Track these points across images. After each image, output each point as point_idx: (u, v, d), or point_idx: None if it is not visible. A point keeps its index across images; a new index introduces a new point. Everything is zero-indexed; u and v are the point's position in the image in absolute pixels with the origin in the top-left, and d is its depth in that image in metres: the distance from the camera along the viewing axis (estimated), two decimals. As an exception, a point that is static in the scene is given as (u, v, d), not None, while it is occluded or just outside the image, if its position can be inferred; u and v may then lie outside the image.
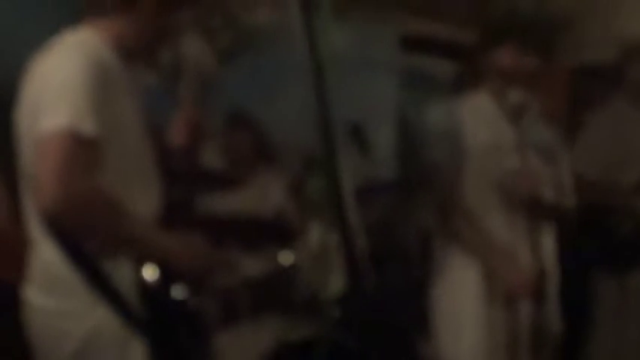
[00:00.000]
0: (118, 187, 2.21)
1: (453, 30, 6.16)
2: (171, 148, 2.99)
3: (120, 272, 2.20)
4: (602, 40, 5.29)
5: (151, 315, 2.23)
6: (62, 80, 2.14)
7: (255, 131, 5.13)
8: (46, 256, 2.27)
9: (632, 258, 4.05)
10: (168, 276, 2.32)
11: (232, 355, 4.02)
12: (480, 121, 3.54)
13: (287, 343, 3.88)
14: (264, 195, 5.10)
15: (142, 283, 2.23)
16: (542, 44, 3.58)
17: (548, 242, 3.91)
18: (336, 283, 4.27)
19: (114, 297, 2.17)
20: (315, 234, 4.65)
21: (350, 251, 1.32)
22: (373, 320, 4.52)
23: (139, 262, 2.24)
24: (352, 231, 1.31)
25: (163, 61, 4.94)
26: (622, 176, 4.15)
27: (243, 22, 5.49)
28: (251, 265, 4.64)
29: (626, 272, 4.03)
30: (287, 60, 5.25)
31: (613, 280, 4.07)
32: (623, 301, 4.02)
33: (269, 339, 3.98)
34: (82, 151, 2.07)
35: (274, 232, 4.46)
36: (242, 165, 5.13)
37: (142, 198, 2.36)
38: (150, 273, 2.26)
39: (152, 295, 2.26)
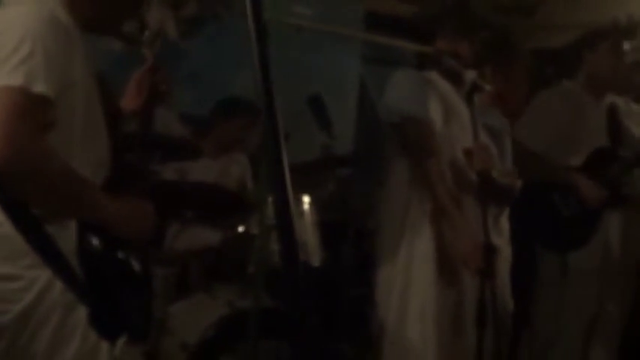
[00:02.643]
0: (66, 148, 2.19)
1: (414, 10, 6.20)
2: (124, 109, 2.97)
3: (64, 235, 2.17)
4: (563, 25, 5.32)
5: (94, 279, 2.20)
6: (16, 36, 2.09)
7: (247, 124, 5.09)
8: None
9: (575, 237, 4.10)
10: (114, 241, 2.31)
11: (185, 321, 4.07)
12: (434, 98, 3.60)
13: (239, 310, 3.89)
14: (227, 166, 5.11)
15: (86, 246, 2.21)
16: (497, 32, 3.65)
17: (500, 220, 3.99)
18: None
19: (58, 260, 2.14)
20: (272, 205, 4.68)
21: (286, 231, 1.31)
22: (321, 292, 4.57)
23: (84, 226, 2.22)
24: (289, 208, 1.31)
25: (126, 28, 4.95)
26: (568, 158, 4.18)
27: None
28: (208, 234, 4.67)
29: (568, 251, 4.08)
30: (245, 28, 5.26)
31: (556, 258, 4.12)
32: (565, 279, 4.08)
33: (222, 306, 3.99)
34: (32, 108, 2.04)
35: (234, 202, 4.46)
36: (219, 146, 5.13)
37: (91, 161, 2.33)
38: (95, 237, 2.25)
39: (97, 259, 2.25)
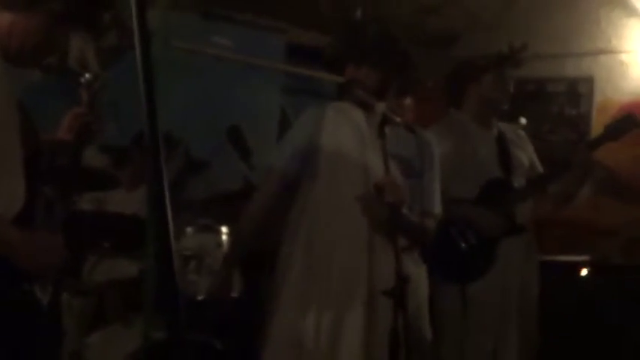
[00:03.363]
0: None
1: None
2: (55, 141, 2.96)
3: None
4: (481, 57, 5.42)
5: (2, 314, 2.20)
6: None
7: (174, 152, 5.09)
8: None
9: (473, 269, 4.14)
10: (20, 273, 2.30)
11: (102, 352, 4.04)
12: (345, 129, 3.65)
13: (155, 341, 3.88)
14: (143, 199, 5.10)
15: None
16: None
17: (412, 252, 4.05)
18: (204, 285, 4.32)
19: None
20: (191, 237, 4.69)
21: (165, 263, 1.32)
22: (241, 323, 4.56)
23: None
24: (170, 244, 1.33)
25: (47, 60, 4.93)
26: (461, 190, 4.19)
27: (130, 22, 5.48)
28: (126, 265, 4.65)
29: (466, 283, 4.10)
30: (171, 61, 5.29)
31: (456, 289, 4.13)
32: (465, 310, 4.09)
33: (138, 337, 3.98)
34: None
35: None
36: (137, 177, 5.12)
37: (1, 192, 2.32)
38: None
39: (1, 292, 2.25)
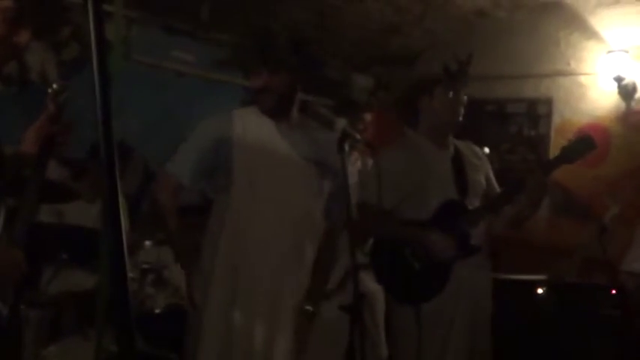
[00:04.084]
0: None
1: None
2: (19, 154, 2.95)
3: None
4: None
5: None
6: None
7: (122, 162, 5.08)
8: None
9: (426, 289, 4.14)
10: None
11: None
12: (258, 137, 3.69)
13: (112, 354, 3.87)
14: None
15: None
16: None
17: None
18: (162, 298, 4.32)
19: None
20: (149, 250, 4.69)
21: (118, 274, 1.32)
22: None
23: None
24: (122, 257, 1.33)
25: (7, 70, 4.93)
26: (417, 212, 4.20)
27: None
28: (83, 277, 4.63)
29: (420, 303, 4.10)
30: (132, 74, 5.29)
31: (410, 308, 4.14)
32: (420, 328, 4.09)
33: (94, 350, 3.96)
34: None
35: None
36: (94, 188, 5.11)
37: None
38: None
39: None
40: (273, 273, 3.61)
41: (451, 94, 4.27)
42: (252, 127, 3.69)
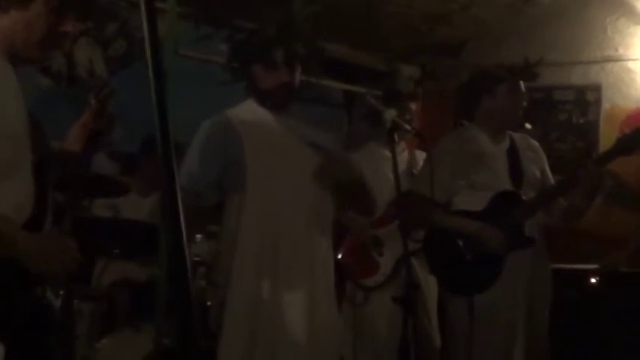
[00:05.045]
0: None
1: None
2: (64, 152, 2.98)
3: None
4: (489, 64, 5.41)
5: (8, 317, 2.20)
6: None
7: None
8: None
9: (480, 280, 4.13)
10: (32, 277, 2.30)
11: (111, 358, 4.06)
12: (262, 132, 3.68)
13: (166, 347, 3.89)
14: (157, 203, 5.12)
15: (0, 284, 2.20)
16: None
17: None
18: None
19: None
20: (200, 243, 4.71)
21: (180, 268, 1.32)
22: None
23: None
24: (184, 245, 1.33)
25: (56, 66, 4.97)
26: (470, 203, 4.20)
27: (137, 32, 5.53)
28: (135, 270, 4.67)
29: (473, 294, 4.08)
30: (178, 69, 5.31)
31: (463, 300, 4.12)
32: (473, 320, 4.07)
33: (148, 343, 3.99)
34: None
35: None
36: (147, 182, 5.16)
37: (10, 198, 2.31)
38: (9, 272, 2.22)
39: (11, 295, 2.23)
40: (295, 263, 3.60)
41: (514, 91, 4.26)
42: (255, 122, 3.68)
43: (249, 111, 3.73)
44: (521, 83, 4.29)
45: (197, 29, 5.23)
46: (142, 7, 1.41)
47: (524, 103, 4.32)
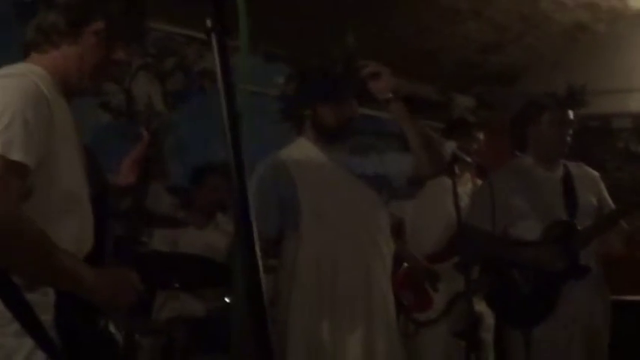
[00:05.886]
0: (44, 217, 2.18)
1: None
2: (119, 185, 3.00)
3: (43, 303, 2.17)
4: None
5: (73, 349, 2.19)
6: None
7: (221, 184, 5.14)
8: None
9: (536, 312, 4.09)
10: (95, 310, 2.31)
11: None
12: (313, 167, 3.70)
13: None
14: (214, 236, 5.14)
15: (64, 315, 2.21)
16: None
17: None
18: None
19: (36, 329, 2.14)
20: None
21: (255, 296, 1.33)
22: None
23: (63, 294, 2.21)
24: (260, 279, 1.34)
25: (115, 102, 5.04)
26: (524, 232, 4.18)
27: (195, 66, 5.59)
28: (194, 304, 4.69)
29: (530, 327, 4.04)
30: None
31: (518, 332, 4.08)
32: (529, 353, 4.02)
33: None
34: (9, 176, 2.06)
35: (220, 273, 4.48)
36: (202, 214, 5.20)
37: (72, 232, 2.32)
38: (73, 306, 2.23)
39: (75, 328, 2.24)
40: (354, 298, 3.58)
41: (558, 119, 4.23)
42: (307, 161, 3.70)
43: (300, 150, 3.75)
44: (568, 111, 4.27)
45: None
46: (214, 46, 1.42)
47: (570, 131, 4.28)
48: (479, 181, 5.07)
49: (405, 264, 4.95)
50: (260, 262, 1.33)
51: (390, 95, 3.48)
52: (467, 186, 4.96)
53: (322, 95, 3.64)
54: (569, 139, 4.28)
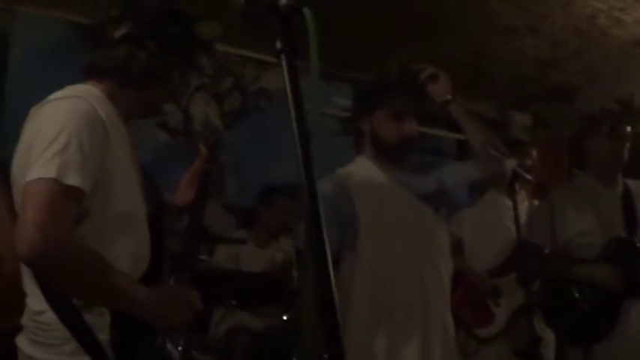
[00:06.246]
0: (100, 239, 2.21)
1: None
2: (177, 204, 3.03)
3: (101, 323, 2.20)
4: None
5: None
6: (53, 131, 2.15)
7: (289, 207, 5.16)
8: (33, 306, 2.27)
9: (596, 330, 4.05)
10: (151, 328, 2.32)
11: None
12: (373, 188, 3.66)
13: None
14: (274, 255, 5.16)
15: (121, 335, 2.23)
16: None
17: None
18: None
19: (94, 349, 2.17)
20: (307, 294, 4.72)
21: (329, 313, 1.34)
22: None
23: (120, 314, 2.23)
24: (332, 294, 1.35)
25: (173, 122, 5.08)
26: (583, 250, 4.15)
27: (252, 86, 5.62)
28: (252, 321, 4.71)
29: (590, 345, 4.00)
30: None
31: (579, 350, 4.05)
32: None
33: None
34: (64, 199, 2.07)
35: (279, 291, 4.50)
36: (267, 234, 5.23)
37: (129, 251, 2.34)
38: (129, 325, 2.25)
39: (132, 348, 2.26)
40: (411, 319, 3.55)
41: (615, 135, 4.20)
42: (366, 179, 3.67)
43: (360, 168, 3.74)
44: (625, 126, 4.24)
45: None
46: (284, 67, 1.44)
47: (627, 145, 4.25)
48: (534, 202, 5.05)
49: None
50: (332, 277, 1.35)
51: (449, 97, 3.47)
52: (523, 204, 4.94)
53: (378, 102, 3.64)
54: (626, 153, 4.25)
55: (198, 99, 4.69)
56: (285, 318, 4.49)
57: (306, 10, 1.45)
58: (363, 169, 3.72)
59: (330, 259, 1.36)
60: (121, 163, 2.31)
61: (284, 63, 1.44)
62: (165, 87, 2.52)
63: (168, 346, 2.40)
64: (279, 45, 1.45)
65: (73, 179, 2.09)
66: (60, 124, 2.16)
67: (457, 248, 4.67)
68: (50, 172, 2.08)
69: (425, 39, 5.71)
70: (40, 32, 5.41)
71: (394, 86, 3.61)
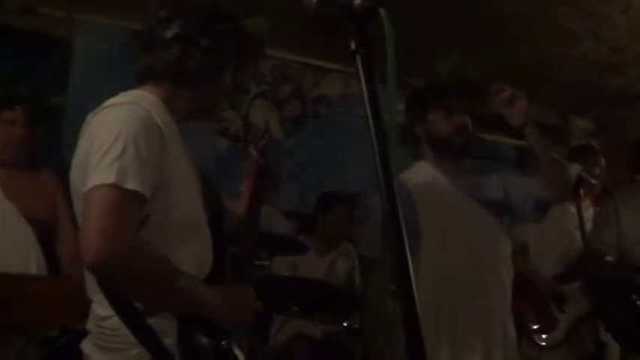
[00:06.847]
0: (162, 243, 2.22)
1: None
2: (237, 211, 3.03)
3: (166, 327, 2.21)
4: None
5: None
6: (110, 137, 2.16)
7: (349, 216, 5.15)
8: (98, 311, 2.28)
9: None
10: (217, 331, 2.31)
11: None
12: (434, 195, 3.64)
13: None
14: (335, 262, 5.15)
15: (187, 338, 2.23)
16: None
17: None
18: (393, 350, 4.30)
19: (160, 353, 2.18)
20: (375, 301, 4.71)
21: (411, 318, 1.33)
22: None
23: (186, 317, 2.24)
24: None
25: (233, 128, 5.12)
26: None
27: (311, 93, 5.64)
28: (312, 328, 4.70)
29: None
30: (352, 128, 5.35)
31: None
32: None
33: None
34: (125, 204, 2.08)
35: (339, 298, 4.50)
36: (327, 242, 5.23)
37: (191, 256, 2.34)
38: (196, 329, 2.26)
39: (198, 351, 2.25)
40: (474, 322, 3.52)
41: None
42: (427, 183, 3.64)
43: (420, 172, 3.71)
44: None
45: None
46: (359, 68, 1.43)
47: None
48: (598, 208, 5.00)
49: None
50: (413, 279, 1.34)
51: (525, 120, 3.42)
52: (588, 211, 4.88)
53: (430, 105, 3.62)
54: None
55: (258, 106, 4.69)
56: (345, 325, 4.46)
57: (382, 11, 1.43)
58: (424, 173, 3.69)
59: (410, 263, 1.36)
60: (179, 167, 2.32)
61: (359, 64, 1.43)
62: (220, 84, 2.52)
63: (235, 349, 2.40)
64: (353, 46, 1.43)
65: (132, 184, 2.10)
66: (116, 130, 2.17)
67: (522, 251, 4.63)
68: (110, 178, 2.09)
69: (485, 44, 5.67)
70: (101, 41, 5.46)
71: (445, 88, 3.59)
